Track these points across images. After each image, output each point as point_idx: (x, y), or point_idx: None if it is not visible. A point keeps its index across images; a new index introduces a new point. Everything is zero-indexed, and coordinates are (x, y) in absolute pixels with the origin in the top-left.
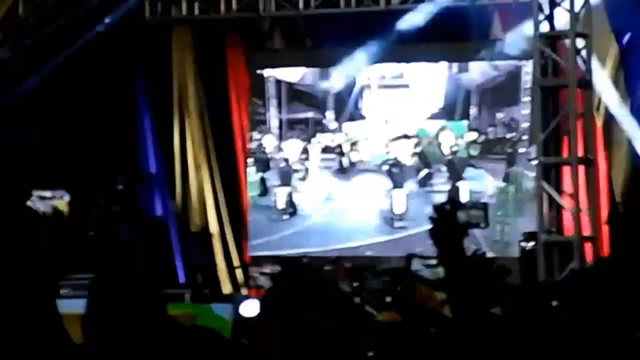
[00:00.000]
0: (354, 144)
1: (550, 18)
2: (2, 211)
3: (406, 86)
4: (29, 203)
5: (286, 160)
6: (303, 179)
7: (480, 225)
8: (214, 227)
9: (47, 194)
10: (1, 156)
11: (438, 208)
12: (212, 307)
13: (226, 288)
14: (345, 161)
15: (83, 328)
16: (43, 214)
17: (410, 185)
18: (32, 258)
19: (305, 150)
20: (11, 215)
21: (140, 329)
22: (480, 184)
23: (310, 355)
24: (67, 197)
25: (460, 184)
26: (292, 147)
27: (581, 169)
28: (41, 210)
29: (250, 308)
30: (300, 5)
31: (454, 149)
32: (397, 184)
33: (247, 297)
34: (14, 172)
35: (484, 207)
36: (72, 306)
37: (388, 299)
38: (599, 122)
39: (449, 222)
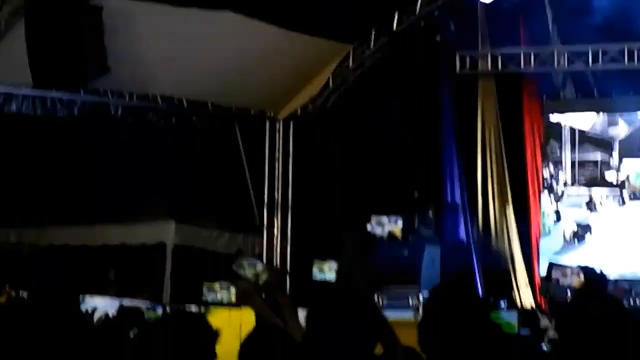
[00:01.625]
0: (635, 180)
1: None
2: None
3: None
4: (368, 227)
5: (579, 193)
6: (592, 209)
7: None
8: (509, 249)
9: (384, 219)
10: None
11: None
12: (501, 314)
13: (522, 300)
14: (626, 195)
15: (419, 333)
16: (381, 237)
17: None
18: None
19: (594, 186)
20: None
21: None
22: None
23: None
24: (400, 222)
25: None
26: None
27: None
28: (378, 234)
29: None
30: (590, 61)
31: None
32: None
33: None
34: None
35: None
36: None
37: None
38: None
39: None
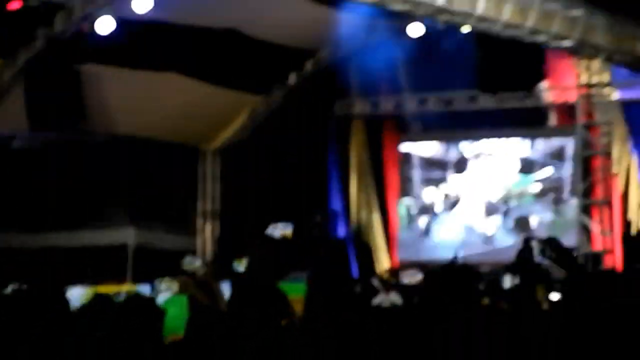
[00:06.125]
0: (460, 189)
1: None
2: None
3: (492, 155)
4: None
5: (425, 201)
6: (434, 213)
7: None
8: (374, 243)
9: (279, 225)
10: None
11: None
12: None
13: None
14: (454, 200)
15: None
16: (277, 239)
17: (497, 216)
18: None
19: (435, 195)
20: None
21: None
22: (539, 216)
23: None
24: (290, 228)
25: (529, 217)
26: (428, 193)
27: (605, 207)
28: (276, 236)
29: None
30: (432, 105)
31: (525, 193)
32: (489, 214)
33: None
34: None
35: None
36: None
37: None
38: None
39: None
